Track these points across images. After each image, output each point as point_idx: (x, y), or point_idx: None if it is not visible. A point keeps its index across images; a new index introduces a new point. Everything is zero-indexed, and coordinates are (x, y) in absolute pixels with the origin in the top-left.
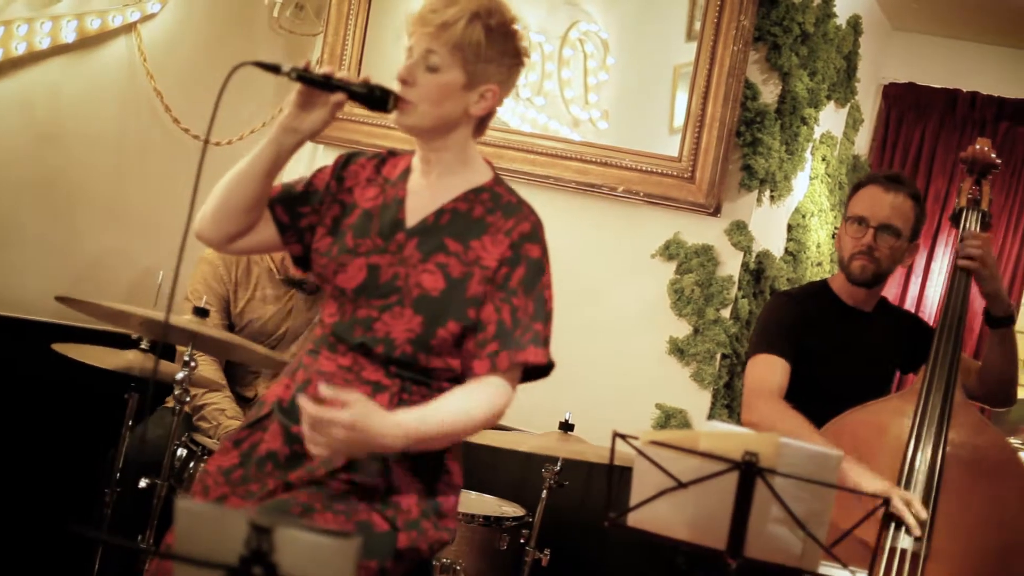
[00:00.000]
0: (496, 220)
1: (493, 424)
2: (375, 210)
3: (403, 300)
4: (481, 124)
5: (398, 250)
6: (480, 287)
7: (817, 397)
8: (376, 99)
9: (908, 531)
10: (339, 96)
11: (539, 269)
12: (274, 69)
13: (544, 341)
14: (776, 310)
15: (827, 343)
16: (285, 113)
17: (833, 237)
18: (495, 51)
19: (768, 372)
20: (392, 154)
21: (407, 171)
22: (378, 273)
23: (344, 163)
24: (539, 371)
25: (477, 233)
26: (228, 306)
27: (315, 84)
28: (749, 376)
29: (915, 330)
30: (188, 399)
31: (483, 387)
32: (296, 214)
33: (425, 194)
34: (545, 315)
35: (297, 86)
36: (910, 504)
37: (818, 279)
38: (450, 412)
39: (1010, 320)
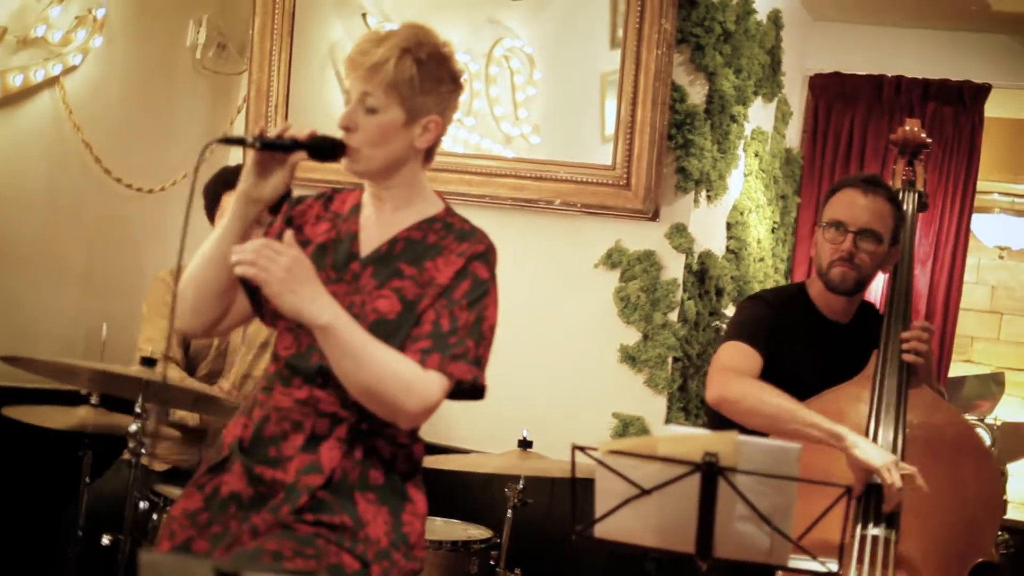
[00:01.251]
0: (449, 244)
1: (406, 410)
2: (328, 244)
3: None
4: (428, 154)
5: (353, 279)
6: (429, 300)
7: None
8: (328, 149)
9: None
10: (299, 155)
11: (484, 290)
12: (240, 142)
13: (475, 361)
14: (750, 312)
15: (801, 356)
16: (245, 184)
17: (772, 232)
18: (430, 82)
19: (740, 357)
20: (337, 191)
21: (358, 206)
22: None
23: (291, 206)
24: (470, 392)
25: (431, 256)
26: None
27: (279, 148)
28: (719, 357)
29: None
30: (143, 451)
31: (412, 361)
32: None
33: (377, 227)
34: (479, 335)
35: (252, 155)
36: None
37: (792, 283)
38: (380, 346)
39: None
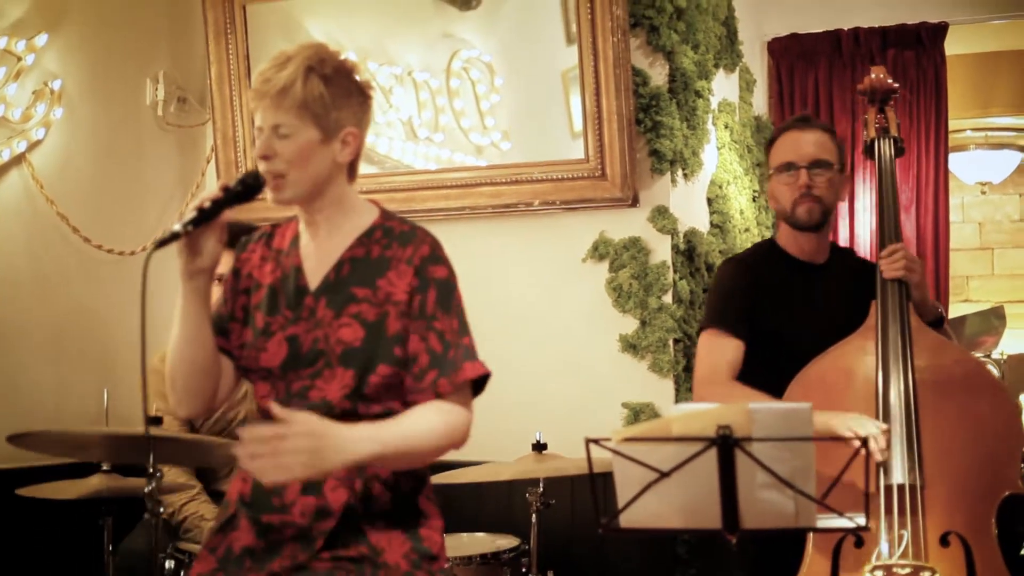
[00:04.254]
0: (395, 252)
1: (456, 445)
2: (277, 284)
3: (330, 361)
4: (352, 169)
5: (310, 315)
6: (398, 322)
7: (786, 359)
8: (251, 186)
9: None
10: (223, 216)
11: (449, 287)
12: (174, 237)
13: (474, 354)
14: (728, 278)
15: (786, 304)
16: (183, 262)
17: (754, 201)
18: (340, 96)
19: (717, 354)
20: (277, 226)
21: (296, 238)
22: (298, 343)
23: (236, 255)
24: (479, 383)
25: (381, 271)
26: None
27: (207, 218)
28: (699, 355)
29: (870, 272)
30: (162, 510)
31: (433, 407)
32: (230, 333)
33: (319, 254)
34: (466, 328)
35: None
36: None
37: (764, 239)
38: (409, 423)
39: (941, 322)
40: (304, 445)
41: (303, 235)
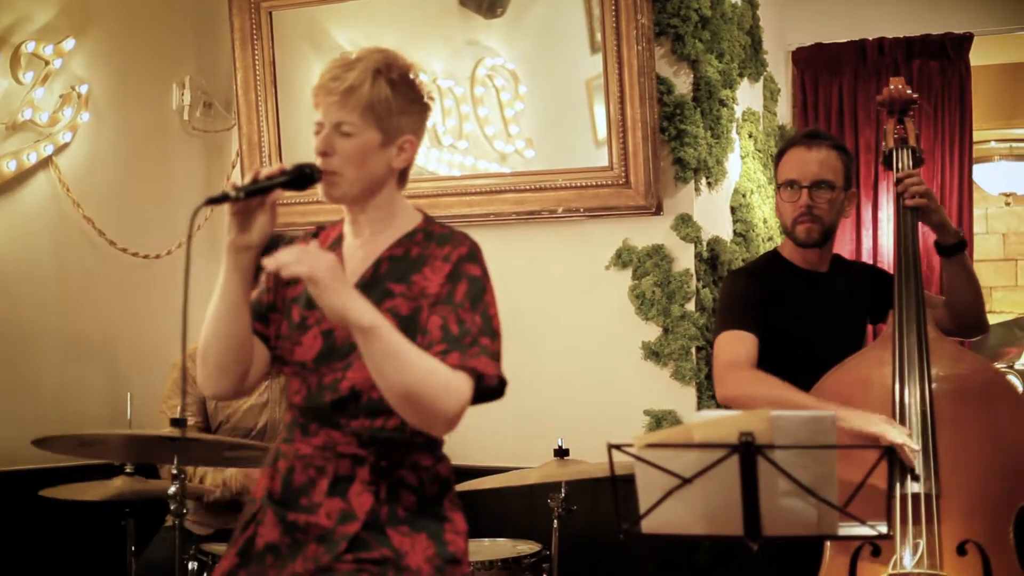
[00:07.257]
0: (433, 251)
1: (443, 413)
2: None
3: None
4: (403, 176)
5: None
6: (427, 313)
7: (793, 366)
8: (307, 176)
9: (913, 475)
10: (276, 194)
11: (481, 287)
12: (224, 198)
13: (495, 356)
14: (735, 288)
15: (791, 312)
16: (231, 236)
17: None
18: (404, 102)
19: (737, 345)
20: (322, 228)
21: (340, 238)
22: (333, 337)
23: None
24: (492, 393)
25: (418, 268)
26: (204, 406)
27: (260, 191)
28: (717, 351)
29: (874, 278)
30: (185, 512)
31: (442, 363)
32: (270, 322)
33: (360, 254)
34: (492, 332)
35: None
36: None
37: (768, 250)
38: (416, 348)
39: (963, 245)
40: (327, 263)
41: (347, 235)
